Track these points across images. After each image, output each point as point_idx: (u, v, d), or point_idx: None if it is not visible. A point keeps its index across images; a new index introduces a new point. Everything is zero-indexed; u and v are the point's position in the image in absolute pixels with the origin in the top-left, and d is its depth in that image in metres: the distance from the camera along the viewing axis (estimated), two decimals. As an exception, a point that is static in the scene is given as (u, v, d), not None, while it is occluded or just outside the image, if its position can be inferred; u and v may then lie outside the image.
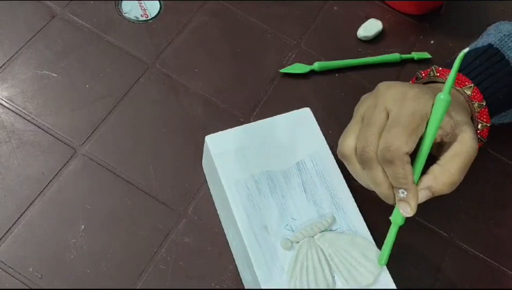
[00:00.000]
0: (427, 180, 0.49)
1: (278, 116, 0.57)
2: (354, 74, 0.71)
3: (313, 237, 0.51)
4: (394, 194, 0.49)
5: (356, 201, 0.53)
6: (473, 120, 0.57)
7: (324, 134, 0.57)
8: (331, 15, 0.75)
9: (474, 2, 0.80)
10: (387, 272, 0.50)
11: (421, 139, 0.49)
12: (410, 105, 0.48)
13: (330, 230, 0.52)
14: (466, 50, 0.46)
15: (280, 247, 0.50)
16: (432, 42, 0.75)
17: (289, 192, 0.53)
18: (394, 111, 0.49)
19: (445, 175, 0.49)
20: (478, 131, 0.58)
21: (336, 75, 0.70)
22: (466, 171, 0.50)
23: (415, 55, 0.73)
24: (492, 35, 0.62)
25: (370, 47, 0.73)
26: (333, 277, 0.49)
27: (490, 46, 0.60)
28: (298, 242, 0.50)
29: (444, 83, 0.57)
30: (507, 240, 0.62)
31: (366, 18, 0.75)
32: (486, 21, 0.78)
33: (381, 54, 0.72)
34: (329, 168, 0.54)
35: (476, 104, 0.57)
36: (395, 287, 0.50)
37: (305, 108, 0.57)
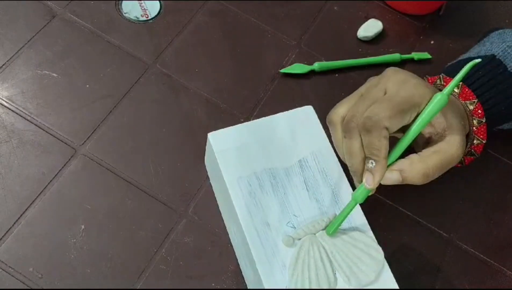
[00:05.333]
0: (402, 163, 0.50)
1: (280, 113, 0.57)
2: (354, 74, 0.71)
3: (314, 234, 0.51)
4: (362, 171, 0.50)
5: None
6: (469, 135, 0.58)
7: (324, 134, 0.57)
8: (331, 15, 0.75)
9: (474, 3, 0.80)
10: (389, 270, 0.50)
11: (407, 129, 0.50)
12: (408, 89, 0.50)
13: (332, 228, 0.52)
14: (477, 60, 0.46)
15: (281, 244, 0.50)
16: (432, 42, 0.75)
17: (291, 190, 0.53)
18: (392, 91, 0.50)
19: (421, 164, 0.50)
20: (473, 146, 0.58)
21: (336, 75, 0.71)
22: (442, 172, 0.51)
23: (415, 55, 0.73)
24: (496, 44, 0.62)
25: (370, 47, 0.73)
26: (334, 274, 0.49)
27: (493, 57, 0.60)
28: (299, 239, 0.51)
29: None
30: (507, 240, 0.62)
31: (366, 18, 0.75)
32: (486, 21, 0.78)
33: (381, 54, 0.72)
34: (331, 166, 0.54)
35: (476, 121, 0.57)
36: (396, 286, 0.50)
37: (308, 106, 0.57)
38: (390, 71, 0.53)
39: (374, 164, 0.49)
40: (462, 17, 0.78)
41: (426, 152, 0.51)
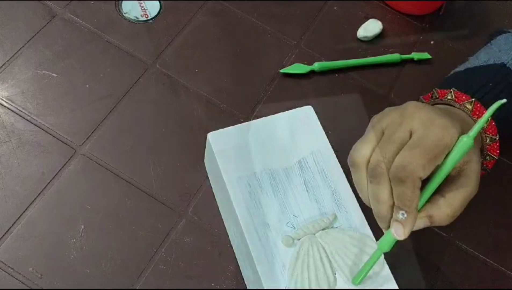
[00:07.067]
0: (430, 209, 0.48)
1: (280, 113, 0.57)
2: (354, 74, 0.71)
3: (314, 234, 0.51)
4: (390, 218, 0.48)
5: (357, 199, 0.53)
6: (482, 151, 0.57)
7: (324, 134, 0.57)
8: (331, 15, 0.75)
9: (475, 2, 0.80)
10: (389, 270, 0.50)
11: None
12: (437, 131, 0.47)
13: (332, 228, 0.52)
14: (503, 101, 0.45)
15: (281, 244, 0.50)
16: (432, 42, 0.75)
17: (291, 190, 0.53)
18: (419, 133, 0.47)
19: (449, 207, 0.48)
20: (485, 162, 0.57)
21: (336, 75, 0.70)
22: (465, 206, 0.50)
23: (415, 55, 0.73)
24: (504, 52, 0.60)
25: (370, 47, 0.73)
26: (334, 274, 0.49)
27: (503, 65, 0.59)
28: (299, 239, 0.51)
29: (461, 109, 0.56)
30: (507, 241, 0.62)
31: (366, 18, 0.75)
32: (486, 21, 0.78)
33: (381, 54, 0.72)
34: (331, 166, 0.55)
35: (489, 138, 0.56)
36: (396, 286, 0.50)
37: (307, 106, 0.57)
38: (411, 107, 0.50)
39: (405, 216, 0.46)
40: (462, 17, 0.78)
41: (449, 190, 0.49)
